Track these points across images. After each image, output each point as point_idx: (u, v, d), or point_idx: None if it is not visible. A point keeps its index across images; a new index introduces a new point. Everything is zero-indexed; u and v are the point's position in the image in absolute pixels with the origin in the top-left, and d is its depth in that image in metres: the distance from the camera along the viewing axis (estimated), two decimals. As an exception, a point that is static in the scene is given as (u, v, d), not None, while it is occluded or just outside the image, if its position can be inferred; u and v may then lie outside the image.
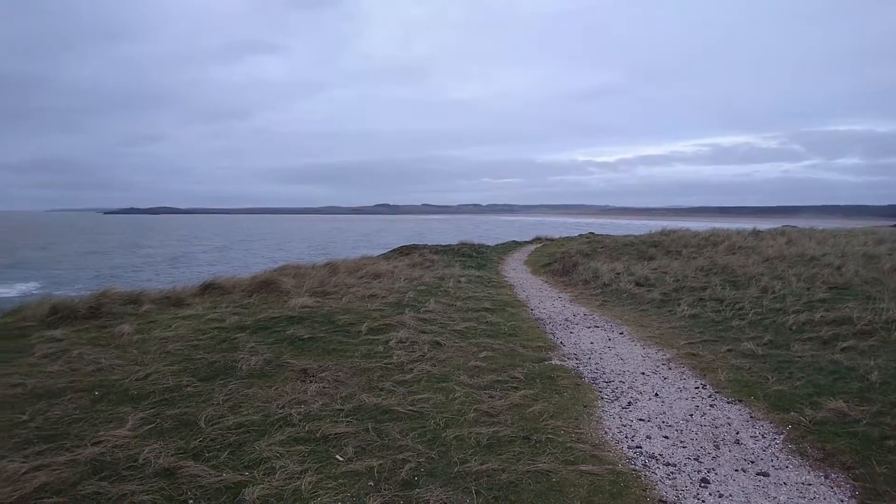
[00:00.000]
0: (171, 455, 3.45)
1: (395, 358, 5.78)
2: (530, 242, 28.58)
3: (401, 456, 3.56)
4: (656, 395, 5.16)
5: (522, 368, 5.65)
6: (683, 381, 5.57)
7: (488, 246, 23.93)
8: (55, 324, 6.92)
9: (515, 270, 16.25)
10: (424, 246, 24.24)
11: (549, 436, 4.02)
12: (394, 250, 24.22)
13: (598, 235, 29.45)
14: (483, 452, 3.69)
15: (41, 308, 7.39)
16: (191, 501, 2.98)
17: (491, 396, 4.78)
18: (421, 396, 4.65)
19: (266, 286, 9.73)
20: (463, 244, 21.69)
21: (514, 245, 26.45)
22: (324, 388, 4.83)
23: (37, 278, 38.92)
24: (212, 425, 3.93)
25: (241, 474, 3.26)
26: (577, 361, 6.24)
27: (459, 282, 11.87)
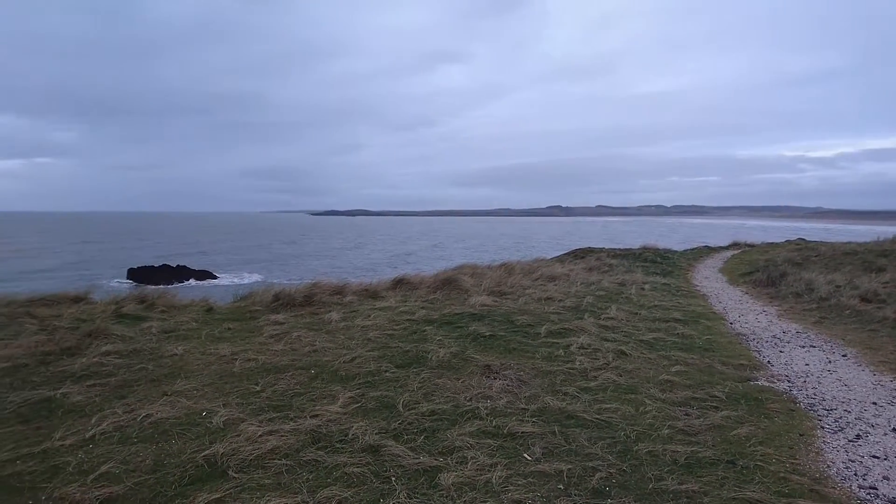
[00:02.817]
0: (375, 434, 3.79)
1: (577, 363, 5.66)
2: (726, 248, 25.85)
3: (590, 464, 3.47)
4: (894, 430, 4.33)
5: (723, 387, 5.13)
6: (931, 417, 4.59)
7: (675, 251, 22.24)
8: (277, 309, 8.05)
9: (708, 279, 14.84)
10: (601, 249, 23.39)
11: (758, 463, 3.60)
12: (568, 253, 23.78)
13: (809, 242, 25.62)
14: (681, 472, 3.42)
15: (266, 295, 8.66)
16: (393, 479, 3.23)
17: (687, 414, 4.42)
18: (608, 406, 4.47)
19: (448, 284, 10.23)
20: (645, 248, 20.43)
21: (707, 250, 24.18)
22: (507, 385, 4.91)
23: (299, 270, 46.74)
24: (408, 410, 4.24)
25: (436, 459, 3.45)
26: (790, 384, 5.49)
27: (643, 289, 11.22)
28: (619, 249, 21.70)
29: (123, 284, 35.14)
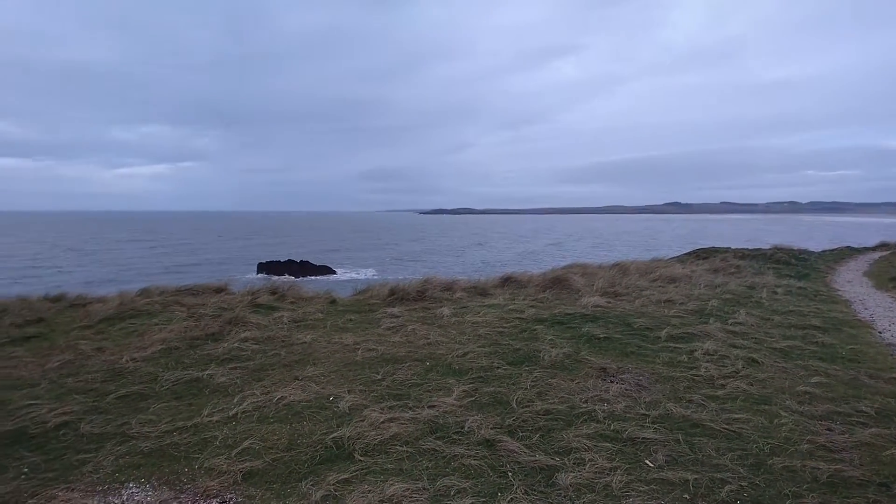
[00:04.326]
0: (490, 428, 3.85)
1: (702, 370, 5.33)
2: (872, 249, 23.00)
3: (718, 475, 3.27)
4: None
5: (871, 402, 4.59)
6: None
7: (811, 252, 20.16)
8: (393, 303, 8.41)
9: (852, 283, 13.30)
10: (726, 249, 21.80)
11: (918, 490, 3.19)
12: (689, 253, 22.41)
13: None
14: (822, 491, 3.13)
15: (383, 290, 9.08)
16: (510, 474, 3.27)
17: (829, 429, 4.02)
18: (737, 416, 4.18)
19: (557, 283, 10.07)
20: (777, 249, 18.69)
21: (849, 252, 21.67)
22: (625, 389, 4.75)
23: (414, 266, 49.65)
24: (522, 407, 4.25)
25: (552, 458, 3.43)
26: (956, 404, 4.79)
27: (775, 292, 10.30)
28: (748, 250, 20.08)
29: (255, 277, 38.51)
